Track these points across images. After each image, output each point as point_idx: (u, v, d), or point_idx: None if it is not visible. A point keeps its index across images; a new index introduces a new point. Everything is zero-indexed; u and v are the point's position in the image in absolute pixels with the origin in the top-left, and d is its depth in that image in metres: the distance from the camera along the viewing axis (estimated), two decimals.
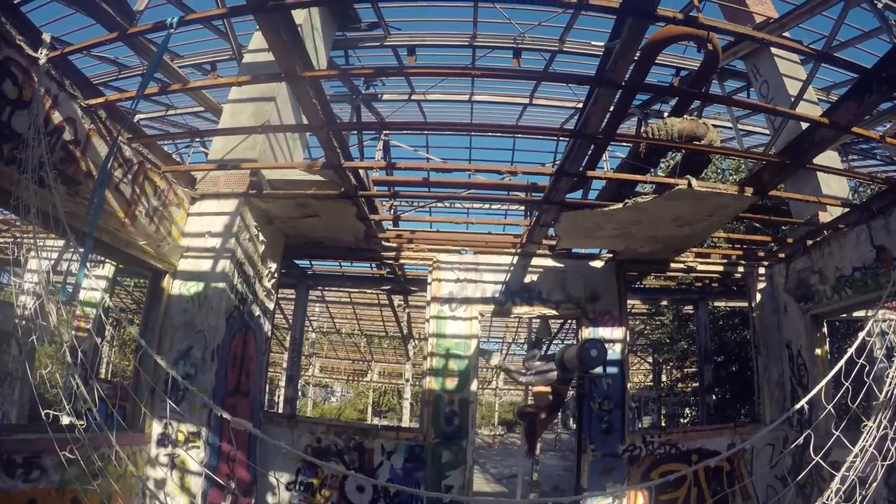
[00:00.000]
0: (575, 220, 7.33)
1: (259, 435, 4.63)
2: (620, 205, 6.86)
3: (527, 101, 12.86)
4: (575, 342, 8.68)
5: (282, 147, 8.46)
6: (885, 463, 4.49)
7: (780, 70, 9.75)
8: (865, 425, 4.41)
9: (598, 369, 7.01)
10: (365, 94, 12.80)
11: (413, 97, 12.85)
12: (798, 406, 6.16)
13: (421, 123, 11.76)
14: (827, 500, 4.21)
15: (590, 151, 6.46)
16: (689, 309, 15.84)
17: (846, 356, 4.75)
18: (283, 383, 17.60)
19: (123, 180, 6.39)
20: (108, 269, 10.27)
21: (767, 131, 11.16)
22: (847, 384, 4.44)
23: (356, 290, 14.93)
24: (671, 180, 6.53)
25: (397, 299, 16.53)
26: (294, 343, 10.59)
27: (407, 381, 23.83)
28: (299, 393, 30.42)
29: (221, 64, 11.57)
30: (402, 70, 10.73)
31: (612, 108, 5.86)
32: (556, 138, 12.76)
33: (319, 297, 19.86)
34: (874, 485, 4.37)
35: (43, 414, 4.61)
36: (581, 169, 6.63)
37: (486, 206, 14.22)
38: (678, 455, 8.64)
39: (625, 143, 7.57)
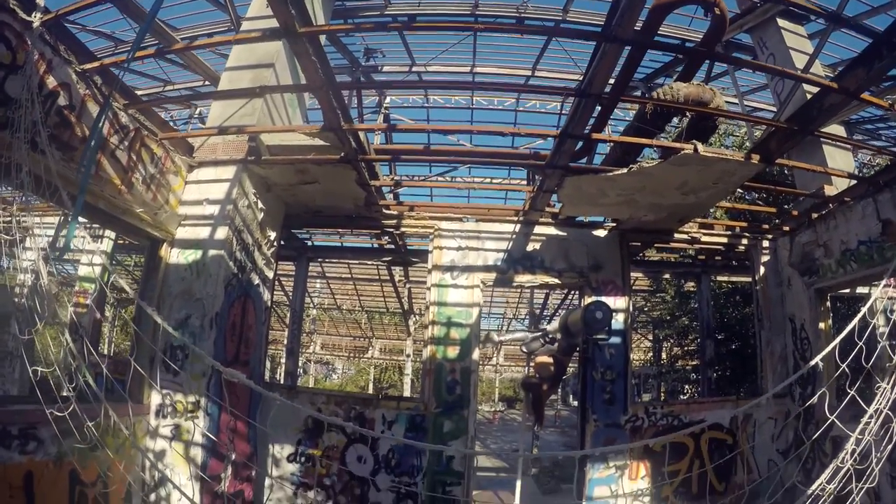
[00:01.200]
0: (578, 185, 7.16)
1: (252, 386, 4.53)
2: (625, 170, 6.70)
3: (529, 72, 12.64)
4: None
5: (280, 114, 8.29)
6: None
7: (786, 43, 9.57)
8: (879, 386, 4.27)
9: (604, 335, 6.86)
10: (365, 66, 12.60)
11: (414, 69, 12.65)
12: (801, 372, 6.05)
13: (421, 83, 11.48)
14: (842, 462, 4.07)
15: (595, 113, 6.29)
16: (690, 286, 15.78)
17: (851, 324, 4.62)
18: (284, 359, 17.55)
19: (119, 147, 6.22)
20: (106, 244, 10.11)
21: (774, 107, 11.03)
22: (849, 364, 4.30)
23: (356, 263, 14.81)
24: (677, 145, 6.38)
25: (398, 274, 16.43)
26: (294, 316, 10.49)
27: (408, 356, 23.78)
28: (301, 370, 30.48)
29: (220, 36, 11.36)
30: (403, 25, 10.37)
31: (618, 71, 5.70)
32: (560, 102, 12.57)
33: (320, 273, 19.78)
34: (888, 447, 4.24)
35: (36, 383, 4.52)
36: (586, 132, 6.45)
37: (488, 179, 14.01)
38: (680, 426, 8.53)
39: (630, 104, 7.38)
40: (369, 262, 12.08)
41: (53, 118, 5.27)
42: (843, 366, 4.27)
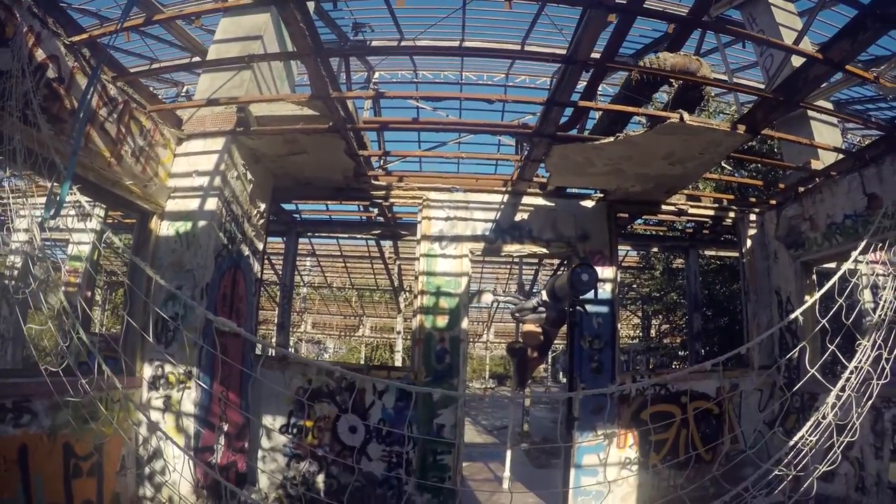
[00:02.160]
0: (566, 154, 7.23)
1: (243, 334, 4.59)
2: (612, 138, 6.77)
3: (519, 47, 12.63)
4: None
5: (269, 86, 8.28)
6: (879, 382, 4.50)
7: (776, 19, 9.61)
8: (860, 343, 4.40)
9: (591, 297, 6.95)
10: (353, 40, 12.55)
11: (403, 43, 12.61)
12: (780, 326, 6.16)
13: (411, 48, 11.41)
14: (823, 416, 4.20)
15: (583, 82, 6.33)
16: (679, 263, 15.93)
17: (831, 281, 4.75)
18: (275, 336, 17.63)
19: (109, 119, 6.22)
20: (95, 224, 10.07)
21: (763, 84, 11.07)
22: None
23: (346, 238, 14.80)
24: (663, 113, 6.45)
25: (388, 250, 16.48)
26: (284, 290, 10.55)
27: (398, 334, 23.91)
28: (292, 349, 30.57)
29: (206, 15, 11.28)
30: None
31: (606, 38, 5.73)
32: (549, 77, 12.53)
33: (310, 251, 19.79)
34: (868, 403, 4.37)
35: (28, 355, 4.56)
36: (574, 100, 6.50)
37: (477, 153, 13.98)
38: (668, 396, 8.70)
39: (621, 73, 7.41)
40: (359, 236, 12.05)
41: (42, 91, 5.25)
42: (823, 321, 4.39)
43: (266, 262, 17.82)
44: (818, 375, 4.38)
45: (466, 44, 12.59)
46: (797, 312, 4.84)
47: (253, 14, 8.16)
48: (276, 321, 12.26)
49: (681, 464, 8.56)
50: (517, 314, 7.38)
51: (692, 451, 8.52)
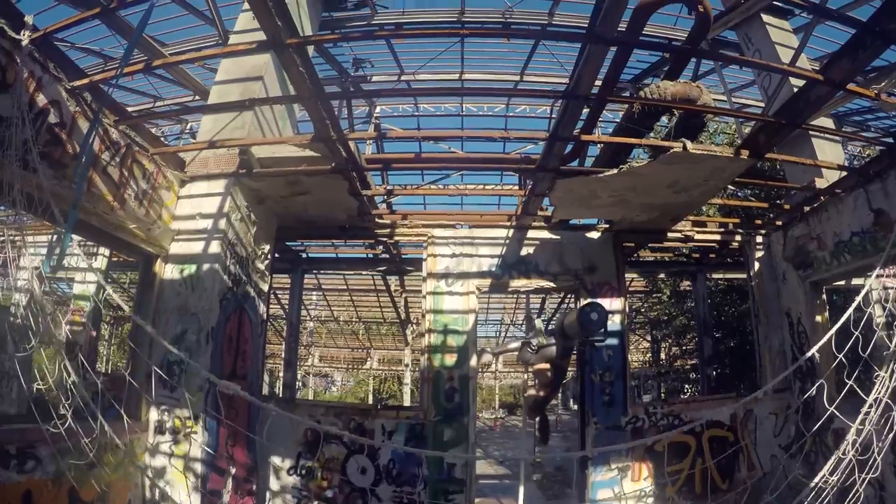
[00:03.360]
0: (570, 187, 7.18)
1: (247, 397, 4.49)
2: (615, 170, 6.72)
3: (517, 78, 12.68)
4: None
5: (271, 126, 8.30)
6: None
7: (772, 38, 9.62)
8: (878, 375, 4.27)
9: (600, 336, 6.84)
10: (354, 76, 12.61)
11: (402, 78, 12.66)
12: (798, 363, 6.02)
13: (410, 90, 11.44)
14: (843, 453, 4.06)
15: (584, 115, 6.31)
16: (686, 285, 15.77)
17: (846, 314, 4.63)
18: (283, 372, 17.47)
19: (111, 163, 6.20)
20: (101, 262, 10.09)
21: (761, 103, 11.07)
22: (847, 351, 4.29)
23: (352, 274, 14.79)
24: (666, 143, 6.40)
25: (394, 284, 16.39)
26: (291, 328, 10.45)
27: (406, 366, 23.69)
28: (300, 383, 30.33)
29: (209, 49, 11.35)
30: (390, 33, 10.32)
31: (605, 70, 5.72)
32: (549, 106, 12.55)
33: (316, 286, 19.72)
34: (889, 436, 4.23)
35: (33, 401, 4.49)
36: (575, 133, 6.47)
37: (480, 186, 14.00)
38: (681, 426, 8.52)
39: (619, 106, 7.39)
40: (364, 273, 12.00)
41: (44, 136, 5.24)
42: (840, 356, 4.27)
43: (273, 296, 17.83)
44: (837, 413, 4.21)
45: (466, 76, 12.62)
46: (813, 350, 4.69)
47: (254, 56, 8.19)
48: (283, 356, 12.14)
49: (697, 495, 8.38)
50: (519, 360, 7.30)
51: (708, 481, 8.33)
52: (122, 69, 5.47)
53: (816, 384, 4.89)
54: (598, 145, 7.34)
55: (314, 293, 21.99)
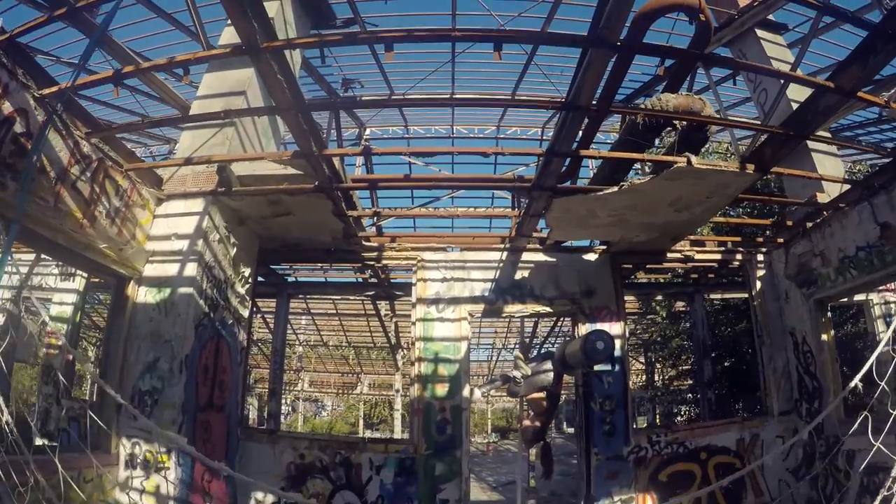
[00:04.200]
0: (567, 206, 6.69)
1: (232, 474, 3.94)
2: (616, 188, 6.27)
3: (509, 96, 12.26)
4: (574, 337, 7.96)
5: (254, 144, 7.80)
6: None
7: (767, 53, 9.29)
8: None
9: (607, 367, 6.33)
10: (343, 96, 12.17)
11: (392, 98, 12.22)
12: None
13: (399, 100, 10.85)
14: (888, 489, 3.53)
15: (583, 128, 5.83)
16: (681, 307, 15.31)
17: (886, 336, 4.12)
18: (268, 401, 16.84)
19: (81, 178, 5.69)
20: (78, 283, 9.55)
21: (757, 120, 10.76)
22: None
23: (339, 298, 14.20)
24: (670, 158, 5.96)
25: (384, 308, 15.86)
26: (276, 355, 9.85)
27: (397, 391, 23.03)
28: (290, 408, 29.53)
29: (194, 68, 10.97)
30: (371, 35, 9.73)
31: (605, 78, 5.27)
32: (541, 128, 12.11)
33: (305, 310, 19.14)
34: None
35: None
36: (573, 148, 5.99)
37: (472, 208, 13.48)
38: (686, 454, 7.99)
39: (620, 114, 6.93)
40: (352, 298, 11.41)
41: (9, 146, 4.80)
42: (857, 379, 3.79)
43: (260, 319, 17.22)
44: (883, 448, 3.67)
45: (457, 95, 12.19)
46: (842, 395, 4.11)
47: (237, 70, 7.75)
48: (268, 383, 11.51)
49: None
50: (509, 394, 6.80)
51: None
52: (83, 66, 4.98)
53: (819, 388, 4.29)
54: (593, 164, 6.87)
55: (303, 317, 21.41)
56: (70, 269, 9.26)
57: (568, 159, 6.37)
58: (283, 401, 29.77)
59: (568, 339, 7.03)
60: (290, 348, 25.21)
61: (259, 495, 7.48)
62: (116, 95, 11.59)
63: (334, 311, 19.62)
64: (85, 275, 9.09)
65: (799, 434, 7.94)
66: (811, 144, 8.40)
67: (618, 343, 7.91)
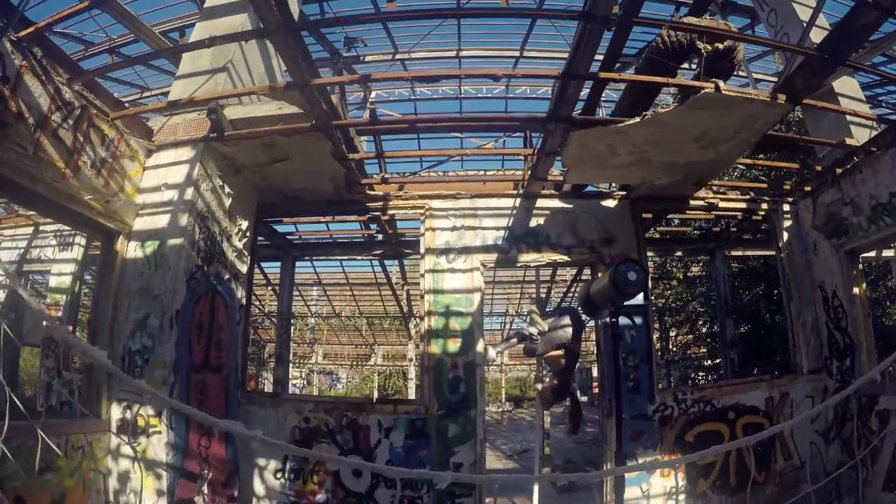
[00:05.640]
0: (585, 141, 5.96)
1: (232, 429, 3.35)
2: (637, 119, 5.56)
3: (517, 53, 11.54)
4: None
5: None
6: None
7: None
8: None
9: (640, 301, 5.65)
10: (346, 56, 11.49)
11: (397, 57, 11.54)
12: None
13: (396, 14, 9.98)
14: None
15: (603, 49, 5.13)
16: (697, 271, 14.62)
17: None
18: (274, 368, 16.35)
19: (63, 126, 5.16)
20: (77, 252, 9.04)
21: (774, 79, 10.10)
22: None
23: (347, 259, 13.58)
24: (696, 83, 5.26)
25: (395, 275, 15.29)
26: (282, 318, 9.24)
27: (410, 361, 22.46)
28: (304, 381, 29.18)
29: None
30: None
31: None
32: (551, 87, 11.28)
33: (315, 280, 18.62)
34: None
35: None
36: (594, 72, 5.28)
37: (483, 144, 12.68)
38: (714, 413, 7.28)
39: (646, 27, 6.22)
40: (359, 258, 10.73)
41: None
42: None
43: (272, 292, 16.70)
44: None
45: (463, 53, 11.52)
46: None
47: (228, 17, 7.09)
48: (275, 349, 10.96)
49: (732, 489, 7.18)
50: (525, 353, 6.20)
51: (744, 473, 7.14)
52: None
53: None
54: (597, 105, 6.14)
55: (314, 288, 20.89)
56: (68, 238, 8.88)
57: (586, 92, 5.69)
58: (299, 374, 29.48)
59: (589, 280, 6.31)
60: (302, 320, 24.76)
61: (262, 461, 6.88)
62: (112, 60, 11.07)
63: (345, 281, 19.10)
64: (83, 244, 8.68)
65: (842, 392, 7.29)
66: (838, 88, 7.63)
67: (640, 295, 7.21)
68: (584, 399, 28.69)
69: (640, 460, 6.84)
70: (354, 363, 34.35)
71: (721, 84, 5.18)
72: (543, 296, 14.22)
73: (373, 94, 13.12)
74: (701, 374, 16.15)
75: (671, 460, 6.78)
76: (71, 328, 7.85)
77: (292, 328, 22.69)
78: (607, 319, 5.08)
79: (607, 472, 6.43)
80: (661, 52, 5.47)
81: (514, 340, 6.08)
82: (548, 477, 5.42)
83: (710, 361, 15.64)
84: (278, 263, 9.68)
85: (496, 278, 20.43)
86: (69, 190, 5.22)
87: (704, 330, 15.43)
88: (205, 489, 5.94)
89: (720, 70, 5.73)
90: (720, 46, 5.38)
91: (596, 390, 14.06)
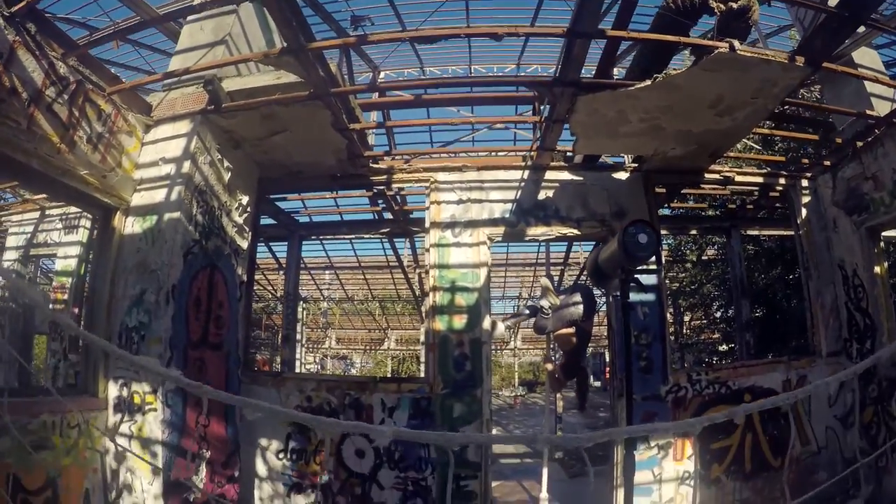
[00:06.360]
0: (594, 107, 5.60)
1: (232, 400, 3.12)
2: (648, 81, 5.22)
3: (528, 28, 11.15)
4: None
5: (249, 65, 6.87)
6: None
7: None
8: None
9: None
10: (352, 35, 11.16)
11: (404, 35, 11.19)
12: None
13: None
14: None
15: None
16: (710, 253, 14.23)
17: None
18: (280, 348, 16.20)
19: (58, 100, 5.01)
20: (82, 234, 8.92)
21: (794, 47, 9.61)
22: None
23: (354, 237, 13.30)
24: (710, 43, 4.92)
25: (407, 258, 15.03)
26: (288, 298, 9.01)
27: (423, 344, 22.25)
28: (318, 366, 29.08)
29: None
30: None
31: None
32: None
33: (327, 264, 18.43)
34: None
35: None
36: (603, 28, 4.94)
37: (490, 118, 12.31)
38: (729, 395, 6.92)
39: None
40: (367, 236, 10.46)
41: None
42: None
43: (283, 277, 16.53)
44: None
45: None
46: None
47: None
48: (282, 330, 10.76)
49: (747, 474, 6.85)
50: (535, 329, 5.95)
51: (760, 458, 6.83)
52: None
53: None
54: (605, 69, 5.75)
55: (326, 272, 20.72)
56: (73, 222, 8.80)
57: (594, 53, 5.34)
58: (313, 359, 29.41)
59: (600, 247, 5.98)
60: (315, 304, 24.62)
61: (263, 441, 6.66)
62: (116, 47, 10.87)
63: (357, 265, 18.93)
64: (87, 226, 8.57)
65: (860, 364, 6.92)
66: (858, 59, 7.21)
67: (655, 277, 6.85)
68: (598, 384, 28.39)
69: (653, 444, 6.54)
70: (368, 347, 34.21)
71: (736, 43, 4.84)
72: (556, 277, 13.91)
73: (381, 74, 12.79)
74: (715, 358, 15.81)
75: (686, 421, 6.45)
76: (77, 310, 7.75)
77: (305, 313, 22.63)
78: (618, 293, 4.75)
79: (619, 430, 6.09)
80: (674, 10, 5.12)
81: (526, 314, 5.83)
82: (551, 439, 5.09)
83: (724, 346, 15.26)
84: (286, 244, 9.48)
85: (509, 260, 20.12)
86: (64, 165, 5.08)
87: (718, 314, 15.03)
88: (203, 468, 5.75)
89: (735, 31, 5.36)
90: (734, 6, 5.01)
91: (609, 375, 13.77)
